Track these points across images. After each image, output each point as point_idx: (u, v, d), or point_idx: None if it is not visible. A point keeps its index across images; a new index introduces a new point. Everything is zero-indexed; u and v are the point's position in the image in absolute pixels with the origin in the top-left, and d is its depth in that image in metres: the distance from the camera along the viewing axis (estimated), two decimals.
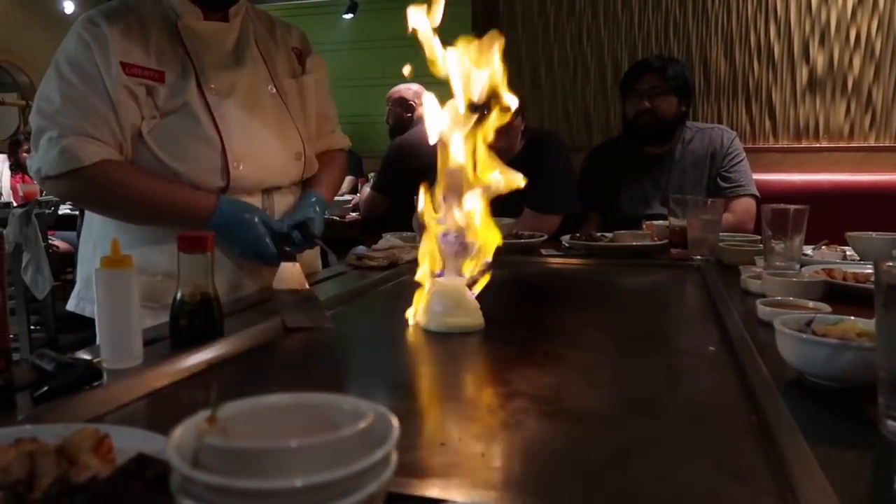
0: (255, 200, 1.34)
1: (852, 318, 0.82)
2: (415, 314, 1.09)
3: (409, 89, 3.35)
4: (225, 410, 0.43)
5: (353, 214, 3.28)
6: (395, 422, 0.43)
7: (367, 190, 3.20)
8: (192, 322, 0.92)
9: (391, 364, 0.96)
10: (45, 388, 0.70)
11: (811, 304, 1.05)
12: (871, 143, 2.80)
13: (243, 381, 0.89)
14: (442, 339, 1.01)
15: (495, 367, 0.92)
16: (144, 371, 0.80)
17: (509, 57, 3.29)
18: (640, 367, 0.91)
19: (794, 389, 0.76)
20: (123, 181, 1.24)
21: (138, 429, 0.56)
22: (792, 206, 1.40)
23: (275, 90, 1.41)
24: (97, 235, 1.36)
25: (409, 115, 3.37)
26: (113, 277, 0.81)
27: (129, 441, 0.52)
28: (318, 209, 1.40)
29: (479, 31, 3.26)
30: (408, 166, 2.49)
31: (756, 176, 2.42)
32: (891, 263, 0.63)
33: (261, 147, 1.34)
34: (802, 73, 2.84)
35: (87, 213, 1.43)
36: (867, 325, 0.78)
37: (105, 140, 1.22)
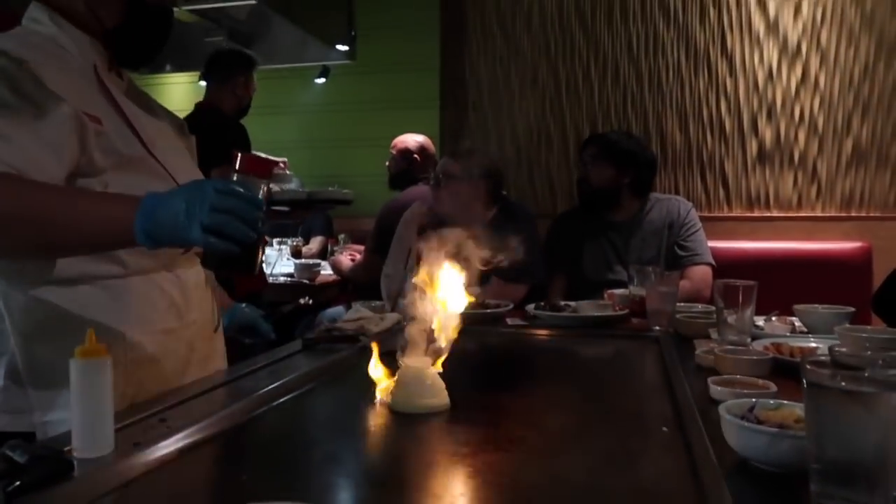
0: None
1: (791, 403, 0.88)
2: (383, 394, 1.12)
3: (414, 140, 3.26)
4: None
5: (325, 274, 3.28)
6: None
7: (344, 256, 3.20)
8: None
9: (357, 449, 0.99)
10: (18, 483, 0.72)
11: (760, 381, 1.11)
12: (819, 212, 2.96)
13: (213, 470, 0.91)
14: (408, 420, 1.05)
15: (459, 451, 0.95)
16: (115, 461, 0.81)
17: (476, 125, 3.41)
18: (596, 450, 0.96)
19: (741, 474, 0.81)
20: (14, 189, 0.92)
21: None
22: (741, 283, 1.48)
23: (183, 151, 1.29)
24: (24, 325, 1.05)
25: (410, 166, 3.31)
26: (89, 368, 0.82)
27: None
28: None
29: (445, 101, 3.40)
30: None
31: (711, 243, 2.54)
32: (814, 361, 0.70)
33: None
34: (752, 146, 3.01)
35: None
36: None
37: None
